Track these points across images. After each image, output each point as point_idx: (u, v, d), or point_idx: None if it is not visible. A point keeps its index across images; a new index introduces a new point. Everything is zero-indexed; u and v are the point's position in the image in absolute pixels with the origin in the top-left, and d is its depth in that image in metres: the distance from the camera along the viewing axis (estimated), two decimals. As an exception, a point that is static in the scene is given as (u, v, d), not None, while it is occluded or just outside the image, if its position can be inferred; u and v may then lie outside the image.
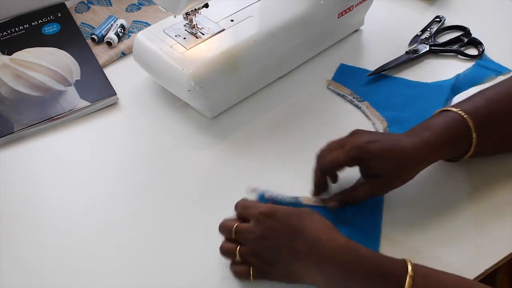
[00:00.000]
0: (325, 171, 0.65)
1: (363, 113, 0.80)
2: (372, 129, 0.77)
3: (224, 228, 0.62)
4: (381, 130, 0.76)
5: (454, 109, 0.65)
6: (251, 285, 0.61)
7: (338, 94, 0.83)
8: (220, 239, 0.66)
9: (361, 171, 0.64)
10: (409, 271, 0.52)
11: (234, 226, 0.60)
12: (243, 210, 0.61)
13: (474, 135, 0.64)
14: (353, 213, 0.65)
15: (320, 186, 0.66)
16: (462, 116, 0.64)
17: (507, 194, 0.68)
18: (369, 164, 0.62)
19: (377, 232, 0.64)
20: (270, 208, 0.59)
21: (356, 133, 0.64)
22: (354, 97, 0.81)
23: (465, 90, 0.80)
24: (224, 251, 0.61)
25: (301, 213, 0.58)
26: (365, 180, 0.64)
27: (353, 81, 0.84)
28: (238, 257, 0.60)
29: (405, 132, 0.65)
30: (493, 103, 0.66)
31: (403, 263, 0.53)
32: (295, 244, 0.56)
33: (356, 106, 0.81)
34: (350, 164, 0.62)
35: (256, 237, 0.58)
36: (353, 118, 0.78)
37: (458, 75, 0.83)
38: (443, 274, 0.54)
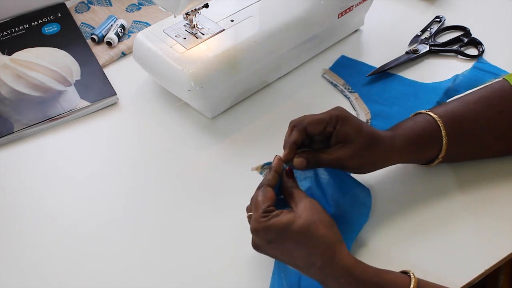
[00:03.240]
0: (305, 127, 0.61)
1: (351, 104, 0.81)
2: None
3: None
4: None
5: (426, 111, 0.67)
6: (255, 283, 0.61)
7: (331, 83, 0.84)
8: (219, 238, 0.66)
9: (333, 136, 0.62)
10: None
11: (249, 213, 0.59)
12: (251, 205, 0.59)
13: (444, 136, 0.65)
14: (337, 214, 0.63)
15: (295, 144, 0.61)
16: (433, 117, 0.65)
17: (507, 194, 0.68)
18: (345, 127, 0.61)
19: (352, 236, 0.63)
20: (264, 227, 0.55)
21: (337, 106, 0.64)
22: (345, 88, 0.83)
23: (461, 93, 0.80)
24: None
25: (298, 231, 0.54)
26: (334, 146, 0.62)
27: (349, 73, 0.85)
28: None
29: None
30: (468, 107, 0.67)
31: (406, 282, 0.54)
32: (295, 260, 0.56)
33: (346, 96, 0.82)
34: (329, 123, 0.61)
35: (255, 244, 0.58)
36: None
37: (456, 77, 0.83)
38: None
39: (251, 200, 0.60)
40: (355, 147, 0.61)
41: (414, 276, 0.54)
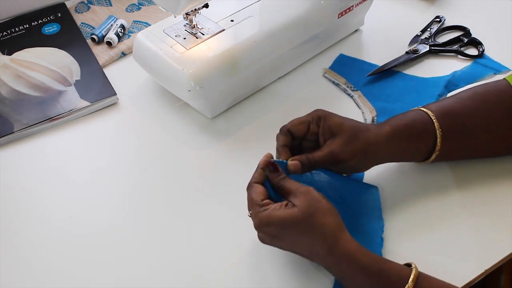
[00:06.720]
0: (288, 129, 0.63)
1: (355, 102, 0.81)
2: (361, 118, 0.79)
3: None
4: (369, 119, 0.78)
5: (422, 108, 0.67)
6: (255, 283, 0.61)
7: (333, 83, 0.84)
8: (219, 237, 0.66)
9: (320, 135, 0.63)
10: (409, 282, 0.53)
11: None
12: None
13: (437, 129, 0.64)
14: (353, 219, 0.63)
15: (286, 147, 0.63)
16: (427, 113, 0.65)
17: (507, 192, 0.68)
18: (329, 122, 0.62)
19: (379, 238, 0.64)
20: (265, 222, 0.56)
21: (318, 109, 0.65)
22: (348, 86, 0.83)
23: (461, 87, 0.80)
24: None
25: (298, 224, 0.55)
26: (324, 144, 0.63)
27: (349, 71, 0.86)
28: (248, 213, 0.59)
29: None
30: (462, 103, 0.67)
31: (407, 272, 0.54)
32: (300, 250, 0.57)
33: (349, 95, 0.82)
34: (312, 122, 0.63)
35: (261, 238, 0.59)
36: (344, 107, 0.81)
37: (455, 72, 0.83)
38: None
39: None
40: (343, 137, 0.62)
41: (416, 268, 0.54)
